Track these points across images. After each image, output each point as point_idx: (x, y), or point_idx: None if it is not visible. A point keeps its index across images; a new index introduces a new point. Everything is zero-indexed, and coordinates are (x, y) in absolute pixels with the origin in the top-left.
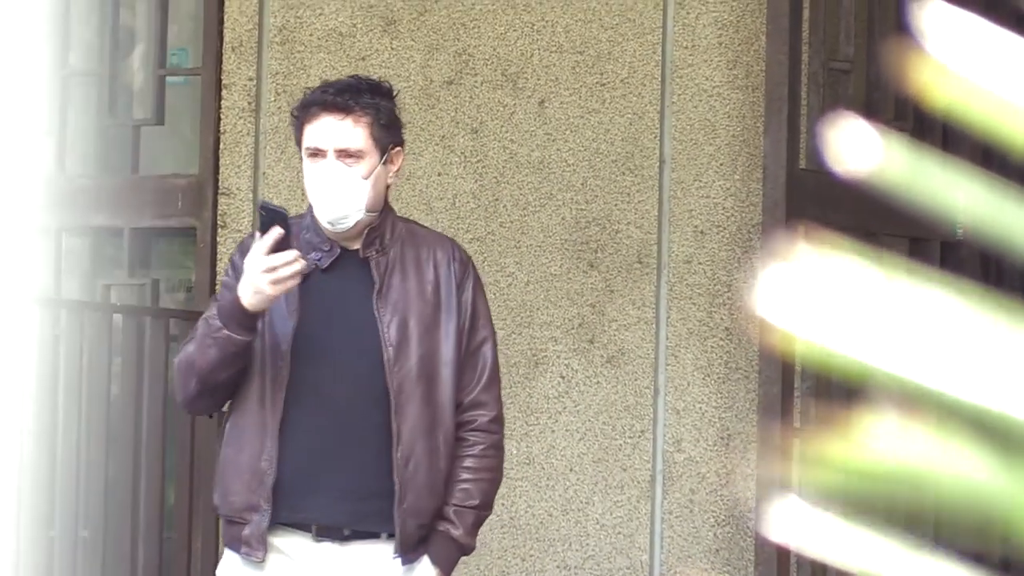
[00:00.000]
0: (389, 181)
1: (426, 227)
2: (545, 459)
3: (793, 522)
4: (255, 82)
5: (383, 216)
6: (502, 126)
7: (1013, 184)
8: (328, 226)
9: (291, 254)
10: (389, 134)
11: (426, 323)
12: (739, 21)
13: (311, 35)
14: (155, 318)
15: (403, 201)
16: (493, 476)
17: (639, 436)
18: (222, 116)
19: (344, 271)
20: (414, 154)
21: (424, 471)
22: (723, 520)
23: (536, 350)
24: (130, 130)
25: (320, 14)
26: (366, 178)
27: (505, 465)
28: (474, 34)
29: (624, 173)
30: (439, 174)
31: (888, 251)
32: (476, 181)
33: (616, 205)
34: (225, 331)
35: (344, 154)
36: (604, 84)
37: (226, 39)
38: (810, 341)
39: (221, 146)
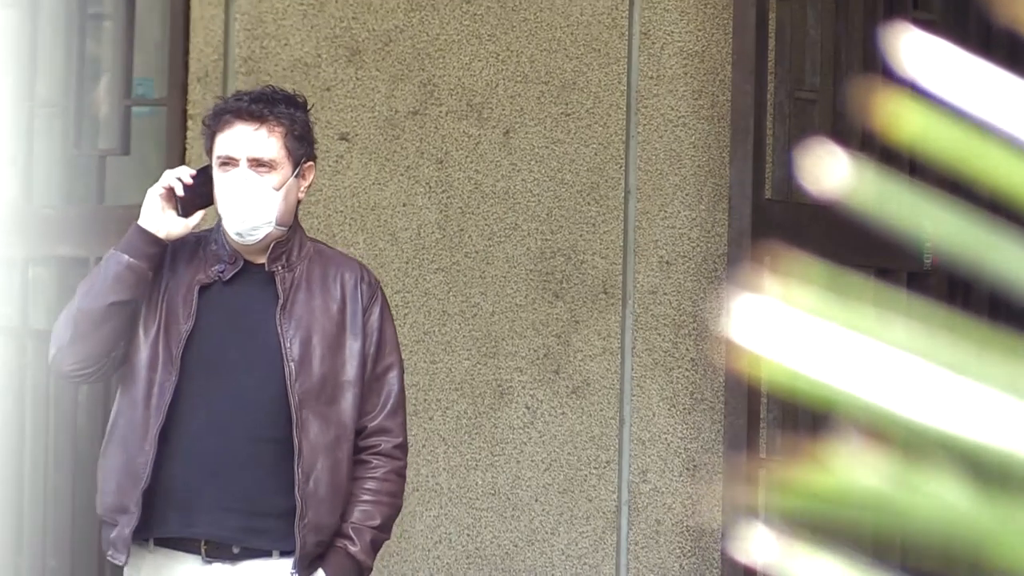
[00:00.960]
0: (300, 196)
1: (335, 249)
2: (511, 490)
3: (760, 550)
4: None
5: (292, 232)
6: (467, 156)
7: (980, 212)
8: (237, 237)
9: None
10: (302, 146)
11: (329, 342)
12: (704, 51)
13: (276, 65)
14: None
15: (368, 231)
16: (393, 501)
17: (604, 466)
18: (188, 146)
19: (247, 284)
20: (379, 184)
21: (325, 487)
22: (689, 551)
23: (501, 380)
24: (96, 160)
25: (285, 44)
26: (278, 189)
27: (470, 495)
28: (439, 64)
29: (589, 203)
30: (404, 204)
31: (855, 280)
32: (441, 211)
33: (581, 235)
34: (115, 253)
35: (257, 163)
36: (569, 114)
37: (192, 69)
38: (776, 370)
39: None
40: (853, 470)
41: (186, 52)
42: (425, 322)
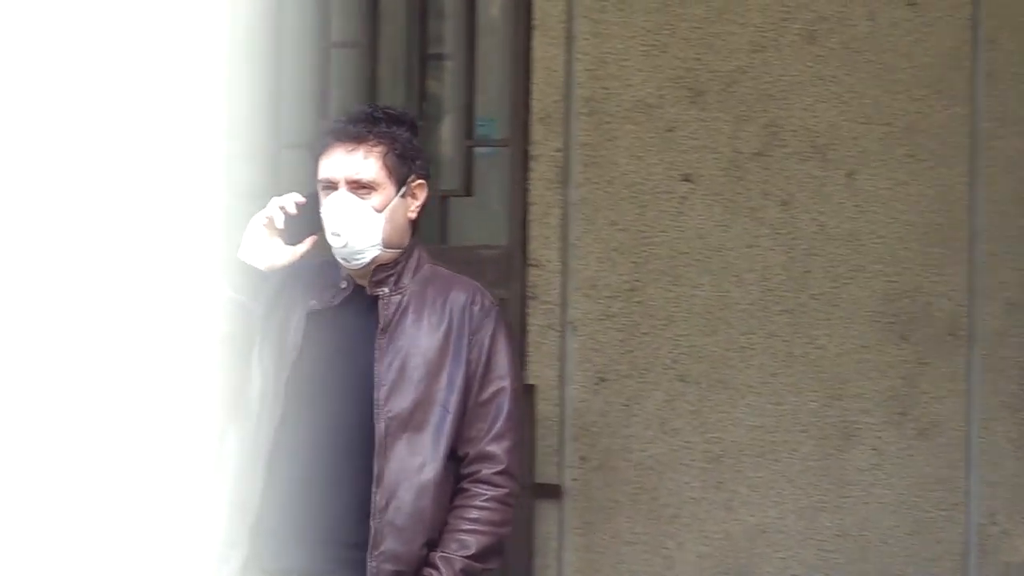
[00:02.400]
0: (411, 215)
1: (453, 272)
2: (858, 532)
3: None
4: (563, 153)
5: (406, 253)
6: (811, 198)
7: None
8: (343, 261)
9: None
10: (406, 165)
11: (429, 367)
12: None
13: (618, 106)
14: None
15: (713, 273)
16: (494, 530)
17: (952, 508)
18: (530, 187)
19: (355, 309)
20: (723, 226)
21: (405, 516)
22: None
23: (848, 422)
24: (438, 200)
25: (627, 84)
26: (380, 211)
27: (818, 537)
28: (782, 105)
29: (934, 244)
30: (749, 246)
31: None
32: (786, 253)
33: (927, 277)
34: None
35: (356, 185)
36: (913, 155)
37: (534, 110)
38: None
39: (529, 217)
40: None
41: (528, 93)
42: (771, 364)
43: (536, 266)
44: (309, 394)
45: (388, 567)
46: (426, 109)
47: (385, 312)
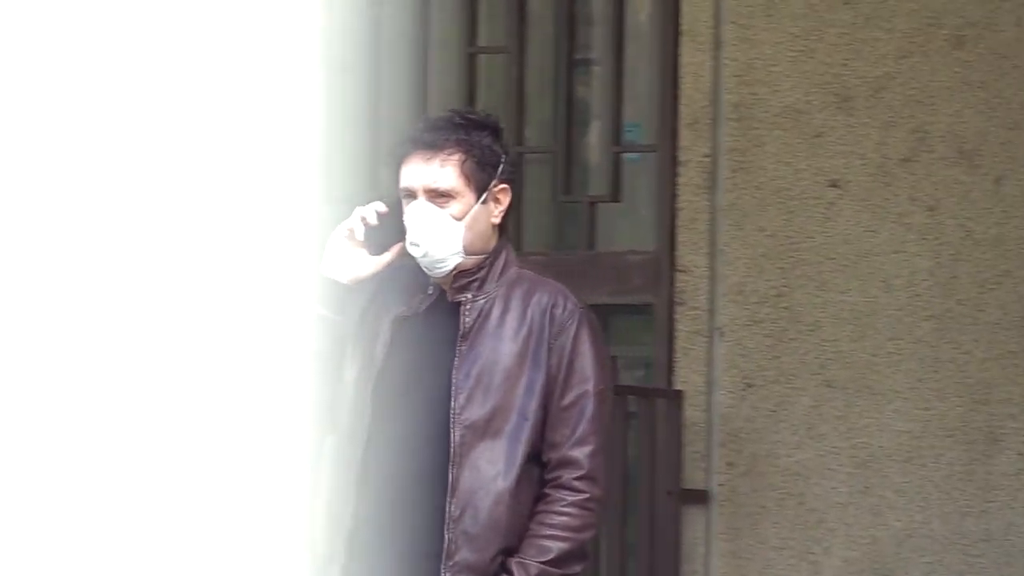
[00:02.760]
0: (495, 221)
1: (539, 276)
2: (1004, 536)
3: None
4: (711, 158)
5: (491, 258)
6: (958, 203)
7: None
8: (426, 270)
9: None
10: (487, 171)
11: (508, 373)
12: None
13: (766, 111)
14: (613, 395)
15: (860, 278)
16: (573, 536)
17: None
18: (678, 192)
19: (440, 315)
20: (871, 231)
21: (480, 526)
22: None
23: (993, 427)
24: (585, 206)
25: (776, 90)
26: (460, 219)
27: (963, 542)
28: (930, 111)
29: None
30: (896, 251)
31: None
32: (933, 259)
33: None
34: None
35: (434, 194)
36: None
37: (681, 116)
38: None
39: (677, 222)
40: None
41: (676, 98)
42: (917, 369)
43: (684, 272)
44: (394, 404)
45: None
46: (573, 115)
47: (466, 318)
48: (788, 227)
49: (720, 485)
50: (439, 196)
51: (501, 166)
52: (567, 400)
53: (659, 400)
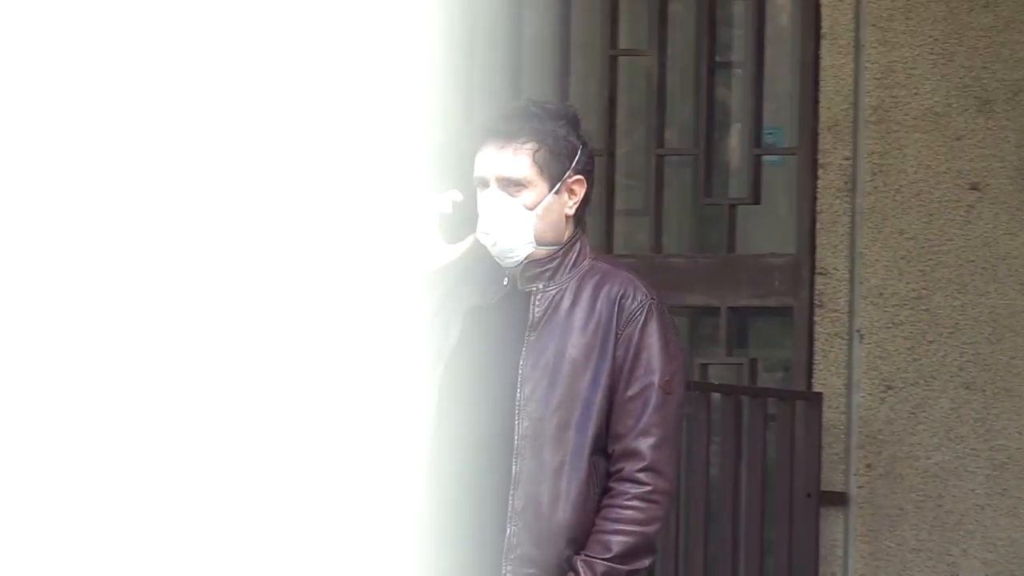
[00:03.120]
0: (568, 212)
1: (613, 266)
2: None
3: None
4: (851, 161)
5: (564, 249)
6: None
7: None
8: (498, 259)
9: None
10: (561, 162)
11: (574, 365)
12: None
13: (906, 114)
14: (753, 397)
15: (999, 281)
16: (639, 530)
17: None
18: (818, 195)
19: (511, 305)
20: (1010, 234)
21: (544, 519)
22: None
23: None
24: (726, 209)
25: (915, 93)
26: (531, 208)
27: None
28: None
29: None
30: None
31: None
32: None
33: None
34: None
35: (506, 183)
36: None
37: (822, 118)
38: None
39: (817, 225)
40: None
41: (816, 101)
42: None
43: (824, 274)
44: (463, 394)
45: (524, 571)
46: (714, 117)
47: (536, 308)
48: (928, 230)
49: (859, 487)
50: (511, 185)
51: (577, 157)
52: (632, 391)
53: (798, 402)
